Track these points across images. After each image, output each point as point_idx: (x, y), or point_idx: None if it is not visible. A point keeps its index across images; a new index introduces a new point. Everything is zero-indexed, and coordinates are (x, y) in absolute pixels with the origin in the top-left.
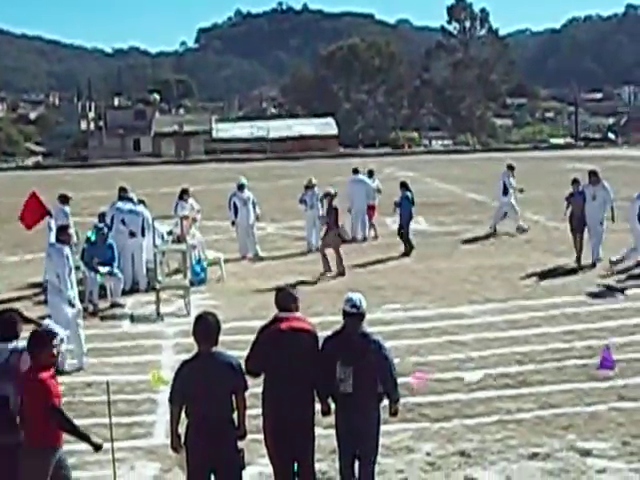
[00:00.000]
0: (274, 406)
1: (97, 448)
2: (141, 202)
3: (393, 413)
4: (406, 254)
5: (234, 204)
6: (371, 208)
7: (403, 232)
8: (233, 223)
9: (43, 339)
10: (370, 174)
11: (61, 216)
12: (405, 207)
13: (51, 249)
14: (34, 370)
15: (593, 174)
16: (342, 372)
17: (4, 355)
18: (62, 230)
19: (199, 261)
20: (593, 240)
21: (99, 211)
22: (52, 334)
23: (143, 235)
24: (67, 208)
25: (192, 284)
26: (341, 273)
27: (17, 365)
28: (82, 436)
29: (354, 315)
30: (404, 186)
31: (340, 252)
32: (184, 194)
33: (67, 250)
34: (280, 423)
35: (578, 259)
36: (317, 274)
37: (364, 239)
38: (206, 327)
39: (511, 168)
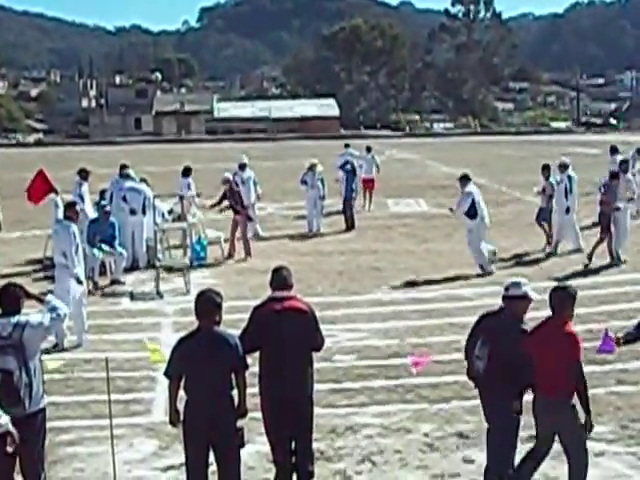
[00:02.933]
0: (270, 385)
1: None
2: (143, 180)
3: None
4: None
5: (235, 183)
6: (369, 181)
7: (346, 208)
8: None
9: None
10: (368, 150)
11: (77, 192)
12: (348, 183)
13: (58, 226)
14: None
15: (614, 149)
16: (480, 350)
17: (7, 329)
18: (70, 207)
19: (199, 240)
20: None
21: (100, 188)
22: None
23: (144, 213)
24: (85, 186)
25: (192, 263)
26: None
27: (19, 339)
28: None
29: (513, 298)
30: (346, 164)
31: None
32: (187, 172)
33: (74, 227)
34: (276, 402)
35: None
36: (318, 255)
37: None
38: (207, 303)
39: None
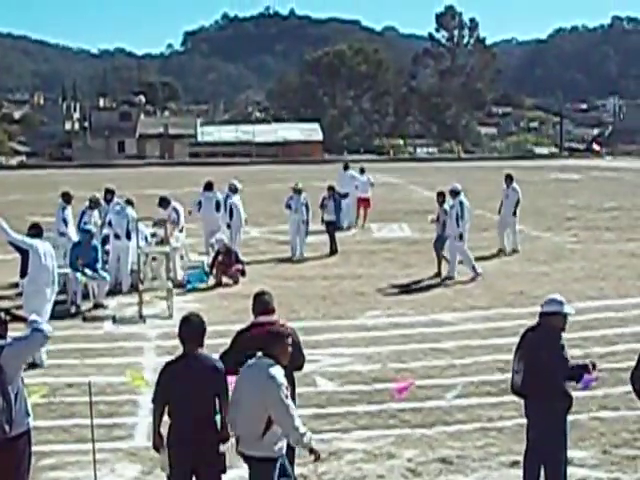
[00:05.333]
0: None
1: None
2: (129, 202)
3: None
4: (332, 254)
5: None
6: (365, 200)
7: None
8: (229, 226)
9: None
10: (362, 171)
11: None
12: (335, 209)
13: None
14: None
15: (508, 177)
16: (517, 365)
17: None
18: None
19: (203, 265)
20: (507, 231)
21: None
22: None
23: (129, 238)
24: (68, 210)
25: (186, 284)
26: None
27: None
28: None
29: (549, 315)
30: (331, 189)
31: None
32: (162, 201)
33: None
34: None
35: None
36: (301, 279)
37: (349, 227)
38: (191, 328)
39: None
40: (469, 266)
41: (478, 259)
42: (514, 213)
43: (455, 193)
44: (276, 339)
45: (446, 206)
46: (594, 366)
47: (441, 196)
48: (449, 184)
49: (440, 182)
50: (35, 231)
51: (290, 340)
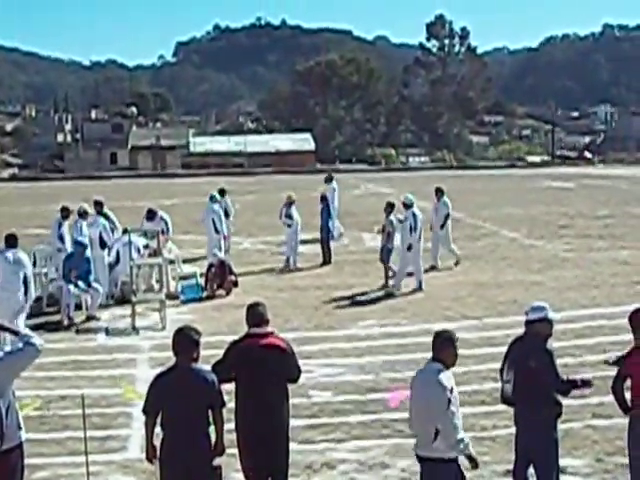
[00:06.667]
0: (246, 421)
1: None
2: (101, 214)
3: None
4: (325, 264)
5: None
6: None
7: (323, 242)
8: (225, 237)
9: None
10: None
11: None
12: (324, 218)
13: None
14: None
15: (438, 191)
16: (507, 374)
17: None
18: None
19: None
20: (435, 244)
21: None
22: None
23: (102, 247)
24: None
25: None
26: None
27: None
28: None
29: (534, 322)
30: (324, 199)
31: None
32: (149, 213)
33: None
34: (252, 438)
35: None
36: (294, 290)
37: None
38: (185, 340)
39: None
40: (417, 278)
41: (471, 268)
42: (442, 227)
43: (408, 205)
44: (447, 344)
45: (392, 217)
46: (586, 383)
47: (389, 207)
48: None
49: (432, 191)
50: (11, 241)
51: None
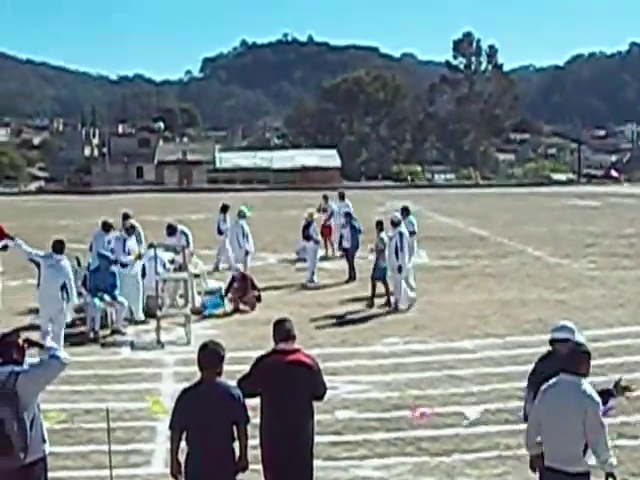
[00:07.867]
0: (270, 438)
1: None
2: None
3: None
4: (350, 280)
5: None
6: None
7: (349, 258)
8: (247, 252)
9: None
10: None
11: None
12: (353, 235)
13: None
14: None
15: (404, 210)
16: (528, 393)
17: (1, 378)
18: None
19: (221, 291)
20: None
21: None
22: None
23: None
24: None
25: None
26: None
27: (13, 388)
28: None
29: (561, 342)
30: (348, 215)
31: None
32: (170, 229)
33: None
34: (277, 454)
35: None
36: (319, 306)
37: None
38: (210, 355)
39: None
40: (395, 298)
41: (496, 287)
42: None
43: (396, 223)
44: (584, 358)
45: (383, 235)
46: (626, 389)
47: (379, 225)
48: (467, 211)
49: (458, 209)
50: (57, 247)
51: None
